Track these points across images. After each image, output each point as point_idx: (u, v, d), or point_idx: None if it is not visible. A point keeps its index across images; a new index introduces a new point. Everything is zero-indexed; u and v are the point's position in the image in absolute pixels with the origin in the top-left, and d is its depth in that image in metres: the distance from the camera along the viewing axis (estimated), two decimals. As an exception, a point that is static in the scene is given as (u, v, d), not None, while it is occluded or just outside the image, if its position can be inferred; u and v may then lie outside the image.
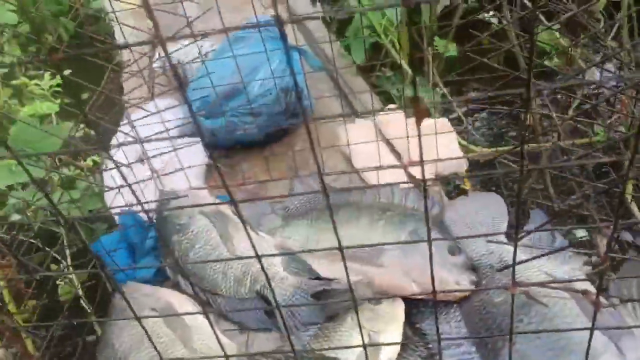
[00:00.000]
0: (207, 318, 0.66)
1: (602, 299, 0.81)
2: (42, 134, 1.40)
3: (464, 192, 1.80)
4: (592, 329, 0.60)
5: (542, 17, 1.75)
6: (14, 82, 1.87)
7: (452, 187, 1.82)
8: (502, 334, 1.06)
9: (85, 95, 2.59)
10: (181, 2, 1.44)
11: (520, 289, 0.87)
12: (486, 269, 1.26)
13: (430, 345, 1.18)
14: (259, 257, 0.51)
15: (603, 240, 0.76)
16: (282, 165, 1.69)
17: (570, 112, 1.58)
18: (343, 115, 1.58)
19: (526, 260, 0.91)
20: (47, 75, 1.90)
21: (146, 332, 0.62)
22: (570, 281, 0.88)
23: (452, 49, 2.11)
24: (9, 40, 2.14)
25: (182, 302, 1.27)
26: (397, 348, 1.18)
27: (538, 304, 1.09)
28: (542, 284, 0.88)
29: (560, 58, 1.86)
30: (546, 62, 1.70)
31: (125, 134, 1.41)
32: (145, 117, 1.52)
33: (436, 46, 2.14)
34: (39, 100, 1.78)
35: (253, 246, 0.53)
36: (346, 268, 0.54)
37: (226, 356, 0.60)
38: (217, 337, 0.64)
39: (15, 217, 1.58)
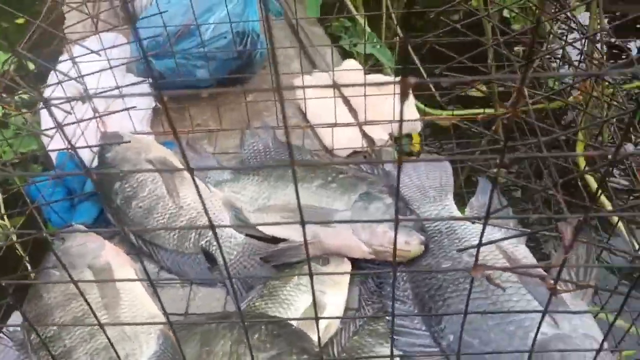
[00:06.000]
0: (153, 285, 0.63)
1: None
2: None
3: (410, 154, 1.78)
4: (543, 312, 0.61)
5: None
6: None
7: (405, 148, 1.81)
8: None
9: (21, 20, 2.38)
10: None
11: (484, 272, 0.88)
12: (434, 233, 1.27)
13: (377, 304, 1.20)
14: (210, 221, 0.48)
15: (568, 228, 0.76)
16: (233, 115, 1.62)
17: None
18: (301, 71, 1.52)
19: (489, 243, 0.90)
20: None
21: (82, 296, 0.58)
22: (531, 266, 0.89)
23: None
24: None
25: (121, 264, 1.20)
26: (342, 308, 1.19)
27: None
28: (504, 269, 0.89)
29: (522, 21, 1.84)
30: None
31: (65, 74, 1.30)
32: (88, 53, 1.41)
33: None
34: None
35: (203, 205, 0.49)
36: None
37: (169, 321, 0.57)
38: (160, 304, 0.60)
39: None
